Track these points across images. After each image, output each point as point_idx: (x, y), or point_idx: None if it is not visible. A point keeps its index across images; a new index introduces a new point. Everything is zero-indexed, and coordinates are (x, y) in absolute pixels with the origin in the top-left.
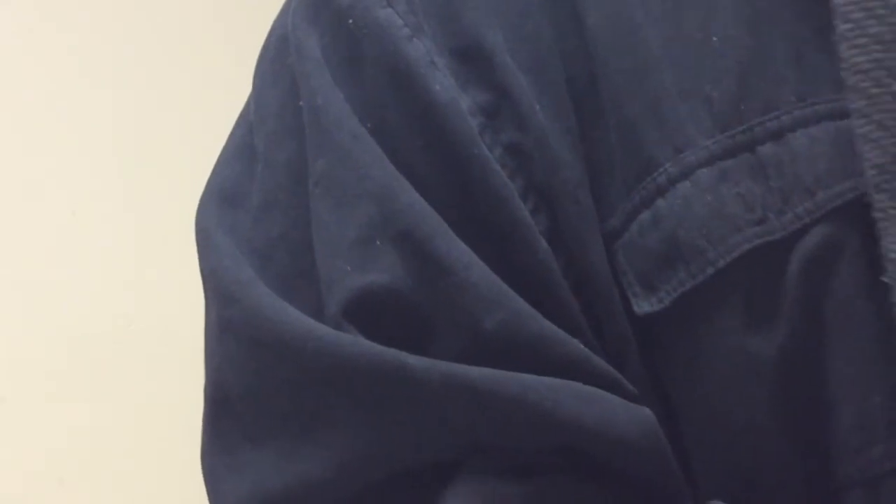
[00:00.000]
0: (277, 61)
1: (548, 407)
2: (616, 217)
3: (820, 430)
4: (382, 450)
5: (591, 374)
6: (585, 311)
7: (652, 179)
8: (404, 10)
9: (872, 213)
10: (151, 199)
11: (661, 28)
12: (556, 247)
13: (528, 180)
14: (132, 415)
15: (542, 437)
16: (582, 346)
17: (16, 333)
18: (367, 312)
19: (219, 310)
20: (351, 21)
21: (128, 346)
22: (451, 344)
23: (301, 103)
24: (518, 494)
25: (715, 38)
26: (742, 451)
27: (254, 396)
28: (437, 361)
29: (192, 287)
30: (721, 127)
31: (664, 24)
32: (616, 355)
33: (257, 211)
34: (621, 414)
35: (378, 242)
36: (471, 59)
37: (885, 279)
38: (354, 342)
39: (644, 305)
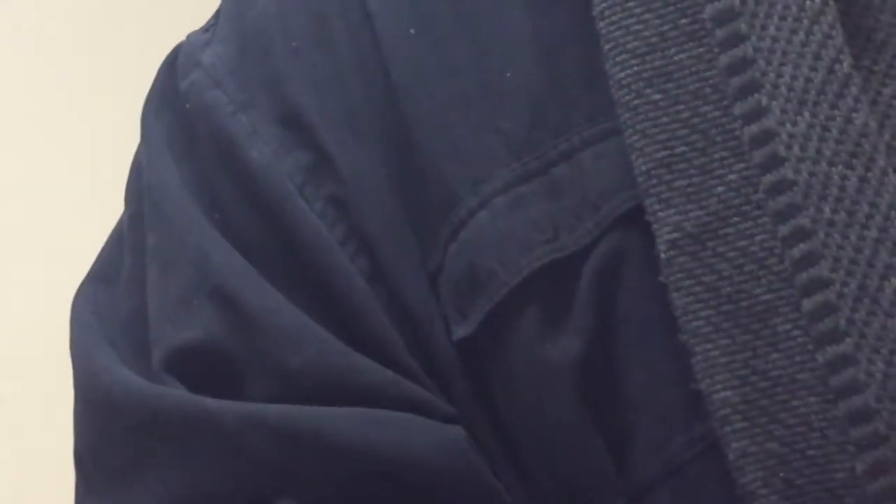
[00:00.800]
0: (140, 154)
1: (342, 436)
2: (435, 253)
3: (625, 429)
4: (198, 490)
5: (401, 399)
6: (410, 342)
7: (454, 213)
8: (233, 89)
9: (646, 217)
10: None
11: (459, 72)
12: (378, 285)
13: (348, 227)
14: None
15: (342, 466)
16: (391, 374)
17: (16, 333)
18: (185, 366)
19: (74, 378)
20: (188, 104)
21: None
22: (262, 387)
23: (144, 186)
24: None
25: (508, 74)
26: (558, 455)
27: (94, 451)
28: (234, 403)
29: None
30: (516, 156)
31: (462, 67)
32: (443, 381)
33: (122, 288)
34: (420, 436)
35: (195, 300)
36: (292, 124)
37: (661, 279)
38: (165, 392)
39: (458, 331)
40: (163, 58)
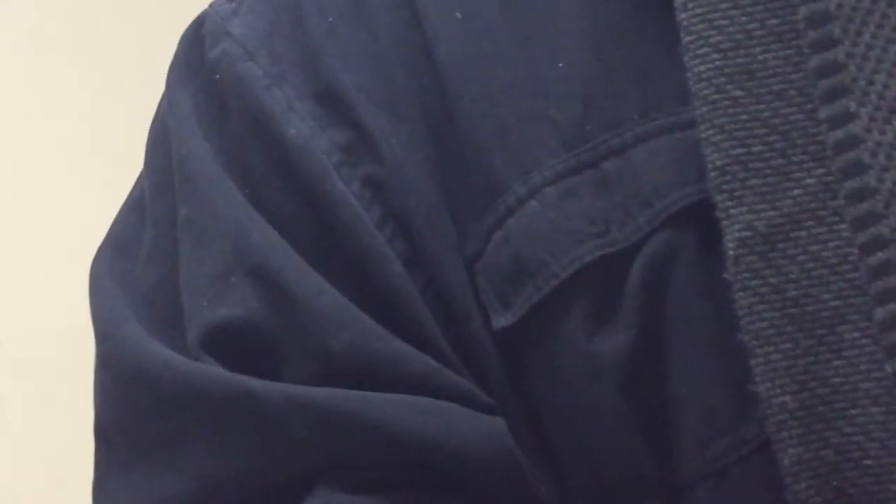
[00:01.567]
0: (162, 122)
1: (386, 422)
2: (475, 239)
3: (668, 427)
4: (235, 471)
5: (442, 388)
6: (446, 329)
7: (502, 201)
8: (266, 62)
9: (716, 213)
10: None
11: (509, 58)
12: (415, 269)
13: (385, 209)
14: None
15: (385, 451)
16: (433, 362)
17: (16, 333)
18: (222, 344)
19: (97, 347)
20: (218, 76)
21: None
22: (302, 369)
23: (173, 157)
24: None
25: (560, 64)
26: (598, 451)
27: (122, 426)
28: (279, 384)
29: None
30: (566, 147)
31: (512, 54)
32: (479, 370)
33: (144, 259)
34: (463, 426)
35: (233, 277)
36: (329, 101)
37: (726, 276)
38: (206, 370)
39: (500, 320)
40: (165, 59)
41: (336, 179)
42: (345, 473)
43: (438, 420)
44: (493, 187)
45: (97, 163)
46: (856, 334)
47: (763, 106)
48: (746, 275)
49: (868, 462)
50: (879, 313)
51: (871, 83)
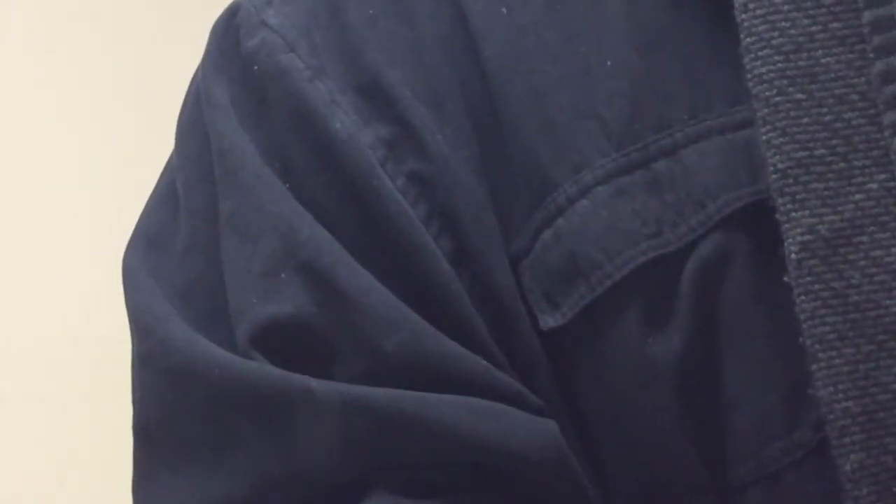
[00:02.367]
0: (195, 111)
1: (445, 423)
2: (521, 238)
3: (721, 430)
4: (291, 471)
5: (494, 389)
6: (493, 328)
7: (552, 199)
8: (307, 54)
9: (773, 216)
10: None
11: (556, 55)
12: (461, 267)
13: (431, 206)
14: (132, 415)
15: (443, 454)
16: (484, 363)
17: (16, 333)
18: (272, 341)
19: (138, 343)
20: (256, 67)
21: (128, 346)
22: (354, 367)
23: (212, 149)
24: None
25: (608, 63)
26: (647, 454)
27: (169, 424)
28: (337, 384)
29: None
30: (616, 146)
31: (559, 51)
32: (525, 370)
33: (179, 254)
34: (521, 428)
35: (282, 274)
36: (372, 95)
37: (787, 280)
38: (259, 368)
39: (548, 320)
40: (166, 59)
41: (382, 175)
42: (400, 476)
43: (494, 422)
44: (541, 185)
45: (98, 162)
46: None
47: (825, 109)
48: (809, 279)
49: None
50: None
51: None
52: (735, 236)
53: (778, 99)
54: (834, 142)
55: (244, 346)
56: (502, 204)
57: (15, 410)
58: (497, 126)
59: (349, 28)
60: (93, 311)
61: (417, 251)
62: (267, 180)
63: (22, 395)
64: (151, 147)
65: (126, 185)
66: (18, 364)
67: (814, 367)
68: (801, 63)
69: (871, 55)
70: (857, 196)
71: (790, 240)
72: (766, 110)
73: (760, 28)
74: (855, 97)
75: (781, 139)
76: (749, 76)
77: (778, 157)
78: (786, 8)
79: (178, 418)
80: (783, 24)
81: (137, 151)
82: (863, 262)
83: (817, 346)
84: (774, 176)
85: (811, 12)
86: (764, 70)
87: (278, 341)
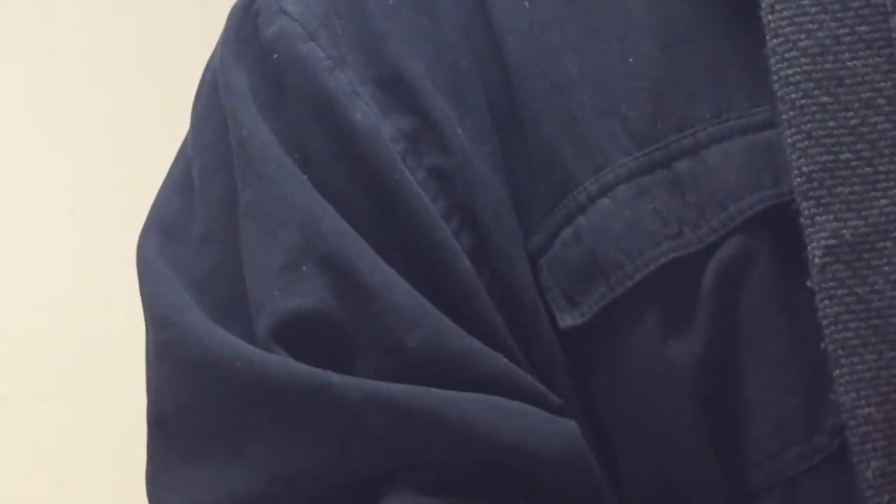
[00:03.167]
0: (212, 97)
1: (466, 421)
2: (540, 234)
3: (739, 434)
4: (310, 466)
5: (515, 387)
6: (511, 326)
7: (572, 197)
8: (327, 43)
9: (795, 219)
10: (151, 199)
11: (578, 51)
12: (481, 264)
13: (451, 201)
14: (132, 415)
15: (462, 452)
16: (505, 361)
17: (16, 333)
18: (294, 335)
19: (155, 333)
20: (275, 55)
21: (128, 346)
22: (375, 363)
23: (230, 137)
24: None
25: (631, 60)
26: (664, 456)
27: (186, 416)
28: (359, 379)
29: None
30: (638, 144)
31: (581, 47)
32: (543, 369)
33: (195, 243)
34: (541, 428)
35: (303, 267)
36: (393, 87)
37: (810, 284)
38: (280, 362)
39: (567, 319)
40: (166, 57)
41: (403, 168)
42: (420, 475)
43: (514, 421)
44: (562, 183)
45: (97, 162)
46: None
47: (851, 113)
48: (832, 283)
49: None
50: None
51: None
52: (757, 239)
53: (804, 102)
54: (859, 146)
55: (264, 339)
56: (521, 200)
57: (15, 410)
58: (517, 121)
59: (370, 18)
60: (93, 310)
61: (438, 247)
62: (288, 170)
63: (22, 395)
64: (155, 146)
65: (128, 184)
66: (18, 364)
67: (836, 372)
68: (827, 66)
69: None
70: (882, 201)
71: (814, 244)
72: (791, 113)
73: (787, 30)
74: (881, 101)
75: (807, 142)
76: (775, 78)
77: (803, 160)
78: (813, 10)
79: (195, 410)
80: (810, 26)
81: (141, 151)
82: (886, 268)
83: (840, 352)
84: (799, 179)
85: (839, 15)
86: (790, 72)
87: (299, 335)
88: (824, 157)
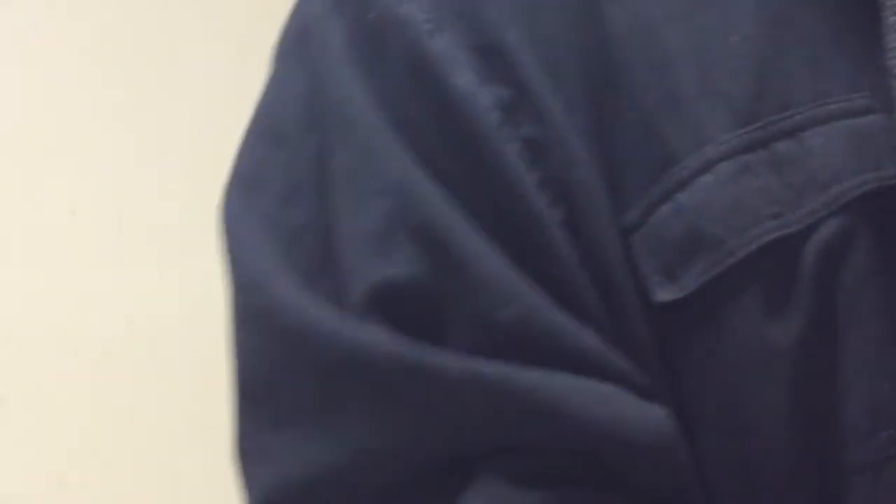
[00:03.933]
0: (301, 48)
1: (558, 403)
2: (634, 209)
3: (832, 416)
4: (397, 442)
5: (605, 367)
6: (601, 302)
7: (673, 173)
8: (427, 7)
9: None
10: (151, 199)
11: (681, 26)
12: (573, 238)
13: (545, 173)
14: (132, 415)
15: (554, 435)
16: (596, 338)
17: (16, 333)
18: (385, 304)
19: (242, 298)
20: (372, 15)
21: (128, 346)
22: (466, 336)
23: (323, 95)
24: None
25: (734, 38)
26: (756, 438)
27: (274, 384)
28: (452, 355)
29: (192, 287)
30: (739, 123)
31: (684, 22)
32: (631, 347)
33: (281, 198)
34: (633, 414)
35: (397, 236)
36: (491, 55)
37: None
38: (373, 334)
39: (665, 294)
40: (166, 56)
41: (500, 138)
42: (508, 462)
43: (609, 406)
44: (661, 159)
45: (96, 162)
46: None
47: None
48: None
49: None
50: None
51: None
52: (856, 221)
53: None
54: None
55: (355, 306)
56: (615, 174)
57: (15, 410)
58: (615, 94)
59: None
60: (93, 310)
61: (533, 219)
62: (384, 136)
63: (22, 395)
64: (155, 146)
65: (127, 184)
66: (18, 364)
67: None
68: None
69: None
70: None
71: None
72: None
73: None
74: None
75: None
76: (890, 55)
77: None
78: None
79: (284, 380)
80: None
81: (141, 151)
82: None
83: None
84: None
85: None
86: None
87: (390, 305)
88: None
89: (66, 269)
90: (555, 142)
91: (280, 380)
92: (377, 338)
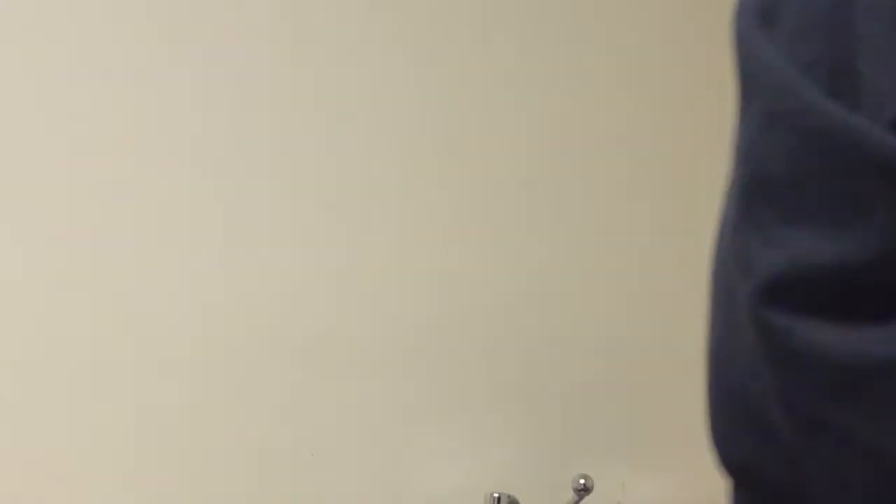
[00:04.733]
0: None
1: None
2: None
3: None
4: None
5: None
6: None
7: None
8: None
9: None
10: (148, 200)
11: None
12: None
13: None
14: (132, 415)
15: None
16: None
17: (16, 333)
18: None
19: (768, 102)
20: None
21: (128, 346)
22: None
23: None
24: None
25: None
26: None
27: (796, 182)
28: None
29: (192, 287)
30: None
31: None
32: None
33: (793, 31)
34: None
35: None
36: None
37: None
38: None
39: None
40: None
41: None
42: None
43: None
44: None
45: (96, 162)
46: None
47: None
48: None
49: None
50: None
51: None
52: None
53: None
54: None
55: (887, 127)
56: None
57: (15, 410)
58: None
59: None
60: (92, 310)
61: None
62: None
63: (22, 395)
64: (139, 148)
65: (125, 185)
66: (18, 364)
67: None
68: None
69: None
70: None
71: None
72: None
73: None
74: None
75: None
76: None
77: None
78: None
79: (807, 178)
80: None
81: (137, 150)
82: None
83: None
84: None
85: None
86: None
87: None
88: None
89: (66, 268)
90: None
91: (802, 179)
92: None
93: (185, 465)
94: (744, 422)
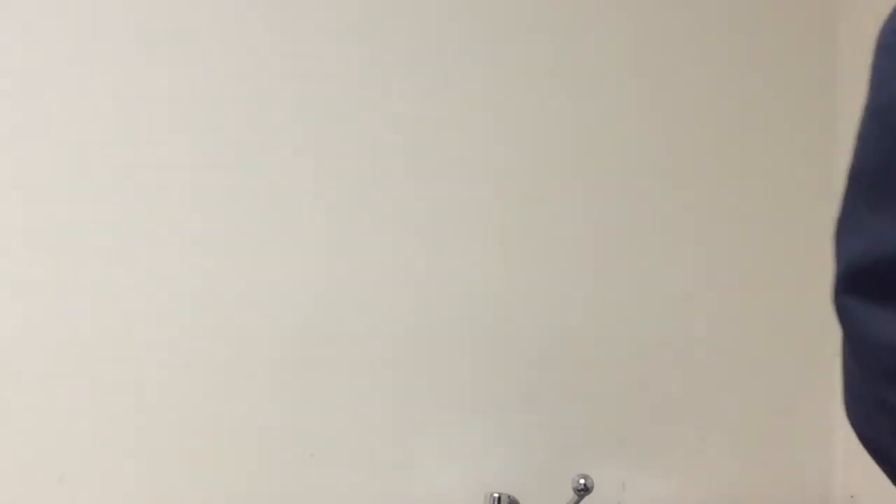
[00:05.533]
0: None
1: None
2: None
3: None
4: None
5: None
6: None
7: None
8: None
9: None
10: (146, 201)
11: None
12: None
13: None
14: (132, 414)
15: None
16: None
17: (16, 333)
18: None
19: (873, 98)
20: None
21: (128, 346)
22: None
23: None
24: None
25: None
26: None
27: (881, 172)
28: None
29: (192, 287)
30: None
31: None
32: None
33: None
34: None
35: None
36: None
37: None
38: None
39: None
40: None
41: None
42: None
43: None
44: None
45: (95, 162)
46: None
47: None
48: None
49: None
50: None
51: None
52: None
53: None
54: None
55: None
56: None
57: (15, 410)
58: None
59: None
60: (92, 310)
61: None
62: None
63: (22, 395)
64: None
65: (126, 188)
66: (18, 364)
67: None
68: None
69: None
70: None
71: None
72: None
73: None
74: None
75: None
76: None
77: None
78: None
79: (891, 169)
80: None
81: (126, 149)
82: None
83: None
84: None
85: None
86: None
87: None
88: None
89: (66, 269)
90: None
91: (886, 169)
92: None
93: (184, 465)
94: (859, 402)
